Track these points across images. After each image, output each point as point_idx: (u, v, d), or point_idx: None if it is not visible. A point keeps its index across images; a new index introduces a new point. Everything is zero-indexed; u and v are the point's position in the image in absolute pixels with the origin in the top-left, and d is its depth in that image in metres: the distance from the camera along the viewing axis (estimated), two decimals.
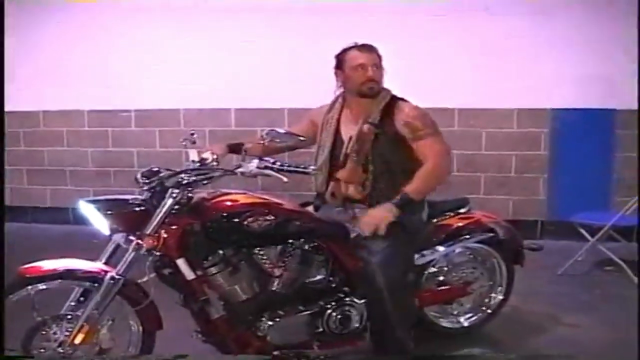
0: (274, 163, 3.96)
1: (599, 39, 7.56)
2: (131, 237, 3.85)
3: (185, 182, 3.90)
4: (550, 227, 7.96)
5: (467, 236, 4.91)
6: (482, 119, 8.00)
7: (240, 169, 3.97)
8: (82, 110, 8.88)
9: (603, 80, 7.60)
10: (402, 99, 4.43)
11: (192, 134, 4.23)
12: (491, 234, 4.98)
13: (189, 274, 3.92)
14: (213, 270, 4.01)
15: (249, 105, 8.43)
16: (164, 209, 3.83)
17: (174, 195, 3.84)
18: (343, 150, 4.41)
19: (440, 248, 4.80)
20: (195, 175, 3.96)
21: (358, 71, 4.30)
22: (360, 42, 4.40)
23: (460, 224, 4.92)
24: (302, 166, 4.11)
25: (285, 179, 3.93)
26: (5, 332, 3.58)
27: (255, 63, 8.21)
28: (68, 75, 8.65)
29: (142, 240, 3.78)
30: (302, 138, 4.24)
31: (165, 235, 3.83)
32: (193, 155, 4.18)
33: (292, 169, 4.03)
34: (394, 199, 4.15)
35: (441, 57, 7.86)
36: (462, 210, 5.00)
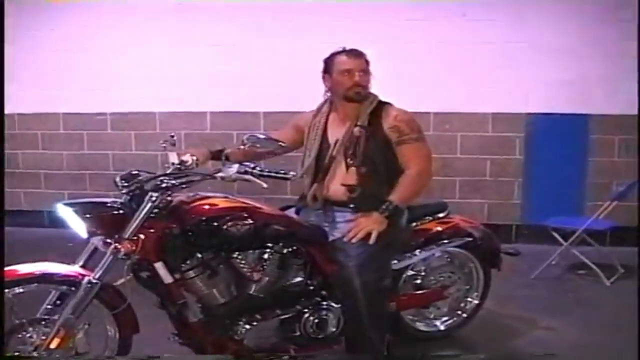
0: (253, 168, 3.96)
1: (573, 44, 7.62)
2: (109, 241, 3.82)
3: (164, 185, 3.88)
4: (524, 231, 8.01)
5: (446, 241, 4.93)
6: (458, 123, 8.04)
7: (220, 174, 3.95)
8: (57, 113, 8.85)
9: (577, 86, 7.66)
10: (388, 103, 4.45)
11: (172, 137, 4.21)
12: (469, 239, 5.00)
13: (167, 278, 3.90)
14: (191, 273, 3.99)
15: (225, 109, 8.42)
16: (143, 213, 3.80)
17: (153, 199, 3.82)
18: (329, 152, 4.41)
19: (419, 252, 4.81)
20: (175, 179, 3.94)
21: (345, 76, 4.30)
22: (347, 46, 4.40)
23: (439, 229, 4.93)
24: (282, 171, 4.10)
25: (264, 185, 3.94)
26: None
27: (231, 66, 8.21)
28: (43, 78, 8.62)
29: (120, 244, 3.75)
30: (282, 144, 4.25)
31: (143, 239, 3.80)
32: (173, 157, 4.15)
33: (272, 174, 4.03)
34: (381, 209, 4.17)
35: (418, 62, 7.90)
36: (440, 215, 5.02)
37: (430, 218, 4.96)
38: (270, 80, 8.02)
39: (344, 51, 4.38)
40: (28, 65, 8.55)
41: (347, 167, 4.34)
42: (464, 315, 5.24)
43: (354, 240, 4.12)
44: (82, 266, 3.96)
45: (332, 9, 7.89)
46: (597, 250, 6.96)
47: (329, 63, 4.41)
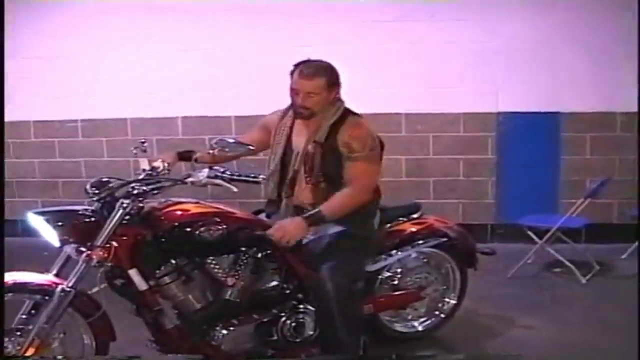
0: (224, 172, 3.93)
1: (543, 43, 7.65)
2: (82, 249, 3.80)
3: (135, 192, 3.87)
4: (499, 230, 8.02)
5: (421, 241, 4.94)
6: (429, 124, 8.04)
7: (190, 179, 3.94)
8: (28, 121, 8.78)
9: (548, 84, 7.69)
10: (354, 114, 4.38)
11: (143, 143, 4.23)
12: (444, 239, 5.02)
13: (142, 285, 3.90)
14: (166, 279, 4.00)
15: (196, 113, 8.39)
16: (114, 220, 3.79)
17: (124, 205, 3.81)
18: (292, 163, 4.39)
19: (394, 254, 4.82)
20: (146, 185, 3.93)
21: (293, 94, 4.28)
22: (311, 57, 4.33)
23: (414, 229, 4.95)
24: (252, 175, 4.09)
25: (235, 189, 3.95)
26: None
27: (201, 71, 8.18)
28: (11, 85, 8.55)
29: (92, 252, 3.74)
30: (251, 147, 4.20)
31: (116, 246, 3.80)
32: (144, 164, 4.17)
33: (242, 178, 4.01)
34: (307, 214, 4.15)
35: (388, 63, 7.90)
36: (414, 216, 5.03)
37: (404, 219, 4.97)
38: (242, 84, 8.01)
39: (301, 67, 4.27)
40: None
41: (306, 182, 4.32)
42: (442, 315, 5.26)
43: (274, 240, 4.09)
44: (56, 275, 3.95)
45: (302, 10, 7.87)
46: (572, 247, 6.99)
47: (291, 72, 4.34)
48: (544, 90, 7.74)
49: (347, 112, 4.37)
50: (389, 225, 4.84)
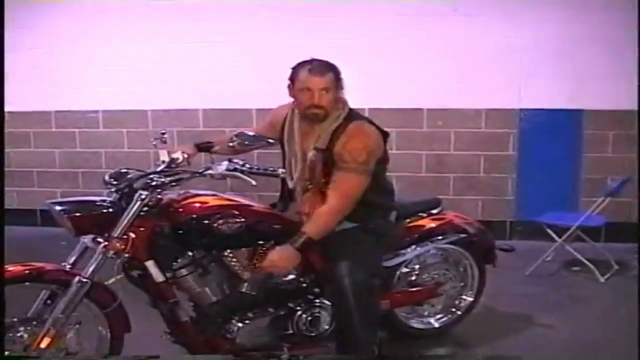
0: (243, 165, 3.90)
1: (566, 39, 7.61)
2: (99, 240, 3.80)
3: (153, 183, 3.86)
4: (518, 227, 7.99)
5: (440, 237, 4.90)
6: (451, 120, 8.00)
7: (209, 171, 3.93)
8: (49, 111, 8.81)
9: (571, 81, 7.64)
10: (357, 119, 4.27)
11: (163, 134, 4.23)
12: (463, 235, 4.98)
13: (158, 276, 3.90)
14: (183, 272, 4.00)
15: (217, 106, 8.39)
16: (132, 212, 3.79)
17: (142, 197, 3.80)
18: (298, 163, 4.31)
19: (412, 249, 4.79)
20: (164, 177, 3.92)
21: (305, 94, 4.14)
22: (318, 56, 4.22)
23: (433, 225, 4.91)
24: (271, 168, 4.04)
25: (254, 182, 3.90)
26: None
27: (223, 63, 8.19)
28: (34, 76, 8.58)
29: (109, 244, 3.74)
30: (271, 140, 4.22)
31: (133, 238, 3.80)
32: (163, 155, 4.16)
33: (261, 171, 3.96)
34: (292, 240, 4.01)
35: (410, 58, 7.85)
36: (434, 211, 5.00)
37: (424, 214, 4.93)
38: (263, 77, 7.98)
39: (308, 66, 4.17)
40: (18, 63, 8.51)
41: (317, 192, 4.24)
42: (458, 312, 5.23)
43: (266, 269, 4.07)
44: (73, 264, 3.95)
45: (323, 4, 7.85)
46: (592, 246, 6.95)
47: (293, 74, 4.25)
48: (566, 86, 7.69)
49: (350, 117, 4.26)
50: (408, 220, 4.81)
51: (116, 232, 3.76)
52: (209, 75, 8.18)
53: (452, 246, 5.03)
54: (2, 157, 4.39)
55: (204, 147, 4.47)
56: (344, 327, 4.24)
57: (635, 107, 6.72)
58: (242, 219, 4.06)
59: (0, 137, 4.62)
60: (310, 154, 4.20)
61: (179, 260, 4.00)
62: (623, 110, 7.44)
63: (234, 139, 4.06)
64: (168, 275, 3.95)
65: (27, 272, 3.74)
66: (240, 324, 4.18)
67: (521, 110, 7.88)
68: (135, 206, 3.80)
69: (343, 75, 4.23)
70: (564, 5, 7.55)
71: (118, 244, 3.75)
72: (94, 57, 8.46)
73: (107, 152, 8.77)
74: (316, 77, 4.11)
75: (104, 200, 3.94)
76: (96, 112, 8.71)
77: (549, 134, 7.82)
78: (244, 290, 4.14)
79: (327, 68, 4.17)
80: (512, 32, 7.66)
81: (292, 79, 4.24)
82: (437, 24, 7.81)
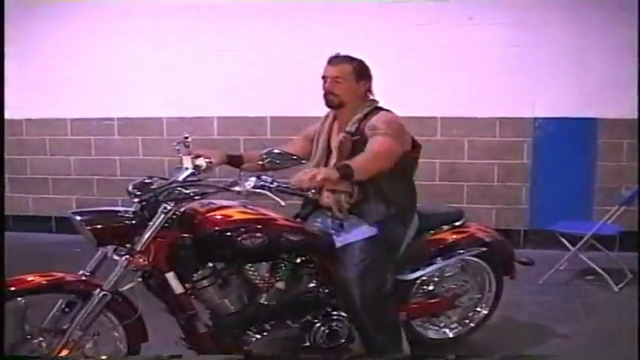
0: (272, 182, 3.81)
1: (580, 47, 7.60)
2: (121, 250, 3.80)
3: (179, 196, 3.85)
4: (532, 236, 7.98)
5: (461, 251, 4.84)
6: (465, 128, 8.01)
7: (236, 187, 3.84)
8: (64, 118, 8.85)
9: (585, 89, 7.63)
10: (386, 110, 4.38)
11: (186, 138, 4.15)
12: (485, 249, 4.92)
13: (178, 288, 3.89)
14: (203, 283, 3.98)
15: (232, 114, 8.41)
16: (156, 225, 3.78)
17: (166, 210, 3.79)
18: (330, 161, 4.35)
19: (434, 262, 4.73)
20: (189, 189, 3.90)
21: (323, 84, 4.35)
22: (341, 52, 4.39)
23: (455, 238, 4.86)
24: (286, 159, 4.05)
25: (282, 203, 3.80)
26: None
27: (238, 71, 8.21)
28: (50, 83, 8.62)
29: (132, 257, 3.74)
30: (303, 161, 4.20)
31: (155, 249, 3.78)
32: (187, 162, 4.08)
33: (290, 190, 3.86)
34: (337, 166, 3.91)
35: (424, 66, 7.88)
36: (457, 223, 4.94)
37: (447, 227, 4.88)
38: (277, 85, 8.01)
39: (331, 57, 4.40)
40: (34, 70, 8.57)
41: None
42: (472, 324, 5.21)
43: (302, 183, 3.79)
44: (92, 273, 3.93)
45: (338, 14, 7.89)
46: (606, 255, 6.93)
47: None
48: (580, 95, 7.68)
49: (378, 108, 4.39)
50: (431, 232, 4.79)
51: (139, 246, 3.75)
52: (225, 83, 8.19)
53: (472, 258, 4.98)
54: (2, 163, 4.38)
55: (235, 162, 4.44)
56: (361, 335, 4.28)
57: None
58: (266, 234, 4.04)
59: (0, 143, 4.59)
60: (340, 136, 4.30)
61: (200, 272, 3.98)
62: (638, 119, 7.43)
63: (264, 157, 4.01)
64: (187, 285, 3.94)
65: (48, 282, 3.73)
66: (257, 335, 4.16)
67: (535, 119, 7.88)
68: (159, 219, 3.79)
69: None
70: (578, 14, 7.55)
71: (141, 260, 3.75)
72: (109, 65, 8.50)
73: (122, 159, 8.81)
74: (330, 66, 4.34)
75: (125, 211, 3.90)
76: (111, 119, 8.76)
77: (563, 143, 7.82)
78: (262, 301, 4.14)
79: (344, 59, 4.36)
80: (527, 41, 7.66)
81: None
82: (452, 33, 7.83)
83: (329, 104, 4.36)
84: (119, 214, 3.90)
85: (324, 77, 4.34)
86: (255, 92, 8.17)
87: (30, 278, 3.71)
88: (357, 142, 4.23)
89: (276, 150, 4.05)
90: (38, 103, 8.71)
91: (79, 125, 8.87)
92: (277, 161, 4.02)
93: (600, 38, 7.53)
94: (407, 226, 4.48)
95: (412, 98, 7.59)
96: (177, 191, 3.86)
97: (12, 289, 3.62)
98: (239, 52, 8.21)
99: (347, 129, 4.28)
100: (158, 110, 8.55)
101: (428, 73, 7.86)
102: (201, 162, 4.13)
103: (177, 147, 4.17)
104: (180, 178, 3.99)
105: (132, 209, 3.90)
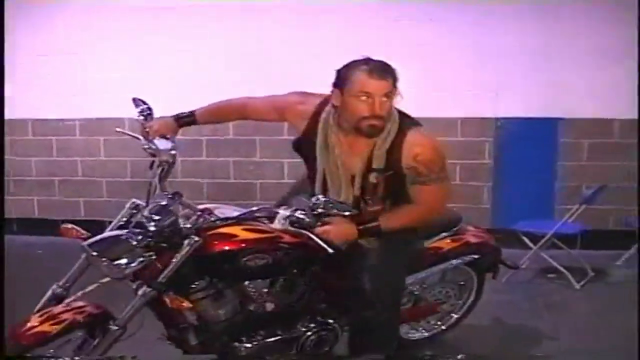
0: (306, 214, 3.61)
1: (543, 47, 7.66)
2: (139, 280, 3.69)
3: (204, 225, 3.76)
4: (494, 235, 8.00)
5: (453, 260, 4.74)
6: (426, 128, 7.97)
7: (274, 224, 3.73)
8: (26, 119, 8.77)
9: (547, 89, 7.69)
10: (412, 127, 3.82)
11: (149, 108, 4.26)
12: (477, 256, 4.84)
13: (171, 302, 3.75)
14: (199, 295, 3.85)
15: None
16: (182, 257, 3.64)
17: (193, 242, 3.65)
18: (347, 186, 3.84)
19: (426, 271, 4.66)
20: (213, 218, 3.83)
21: (362, 101, 3.55)
22: (372, 56, 3.72)
23: (451, 247, 4.73)
24: (343, 208, 3.67)
25: (330, 250, 3.60)
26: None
27: (205, 71, 8.16)
28: (10, 83, 8.53)
29: (151, 290, 3.64)
30: (354, 212, 3.73)
31: (157, 267, 3.65)
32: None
33: (326, 210, 3.58)
34: (364, 226, 3.76)
35: None
36: (455, 228, 4.79)
37: (446, 234, 4.73)
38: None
39: (364, 65, 3.60)
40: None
41: (368, 206, 3.87)
42: (443, 327, 5.19)
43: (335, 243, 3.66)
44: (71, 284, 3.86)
45: (311, 13, 7.86)
46: (567, 253, 7.02)
47: (343, 77, 3.64)
48: (542, 95, 7.75)
49: (402, 125, 3.78)
50: (430, 240, 4.64)
51: (161, 277, 3.63)
52: (188, 83, 8.10)
53: (462, 265, 4.89)
54: (2, 166, 4.32)
55: (188, 122, 4.36)
56: (360, 338, 4.18)
57: (611, 116, 6.80)
58: (271, 255, 3.86)
59: (0, 144, 4.53)
60: (372, 176, 3.75)
61: (196, 284, 3.84)
62: (599, 119, 7.51)
63: (317, 206, 3.61)
64: (181, 298, 3.75)
65: (80, 319, 3.60)
66: (247, 345, 4.09)
67: (497, 119, 7.93)
68: (184, 251, 3.63)
69: None
70: (541, 15, 7.60)
71: (177, 303, 3.68)
72: (70, 65, 8.46)
73: (83, 160, 8.76)
74: (379, 81, 3.57)
75: (142, 238, 3.59)
76: (73, 120, 8.70)
77: (525, 142, 7.88)
78: (252, 308, 4.02)
79: (389, 69, 3.66)
80: (488, 39, 7.71)
81: (342, 83, 3.65)
82: (411, 30, 7.83)
83: (368, 132, 3.62)
84: (136, 243, 3.57)
85: (366, 95, 3.54)
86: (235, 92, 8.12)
87: (60, 315, 3.56)
88: (389, 179, 3.78)
89: (324, 198, 3.65)
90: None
91: (40, 126, 8.81)
92: (334, 210, 3.62)
93: (564, 38, 7.58)
94: (414, 238, 4.28)
95: None
96: (201, 221, 3.78)
97: (24, 343, 3.45)
98: (200, 51, 8.20)
99: (375, 165, 3.73)
100: (120, 111, 8.47)
101: None
102: (167, 157, 4.00)
103: (140, 118, 4.21)
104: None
105: (138, 230, 3.64)
